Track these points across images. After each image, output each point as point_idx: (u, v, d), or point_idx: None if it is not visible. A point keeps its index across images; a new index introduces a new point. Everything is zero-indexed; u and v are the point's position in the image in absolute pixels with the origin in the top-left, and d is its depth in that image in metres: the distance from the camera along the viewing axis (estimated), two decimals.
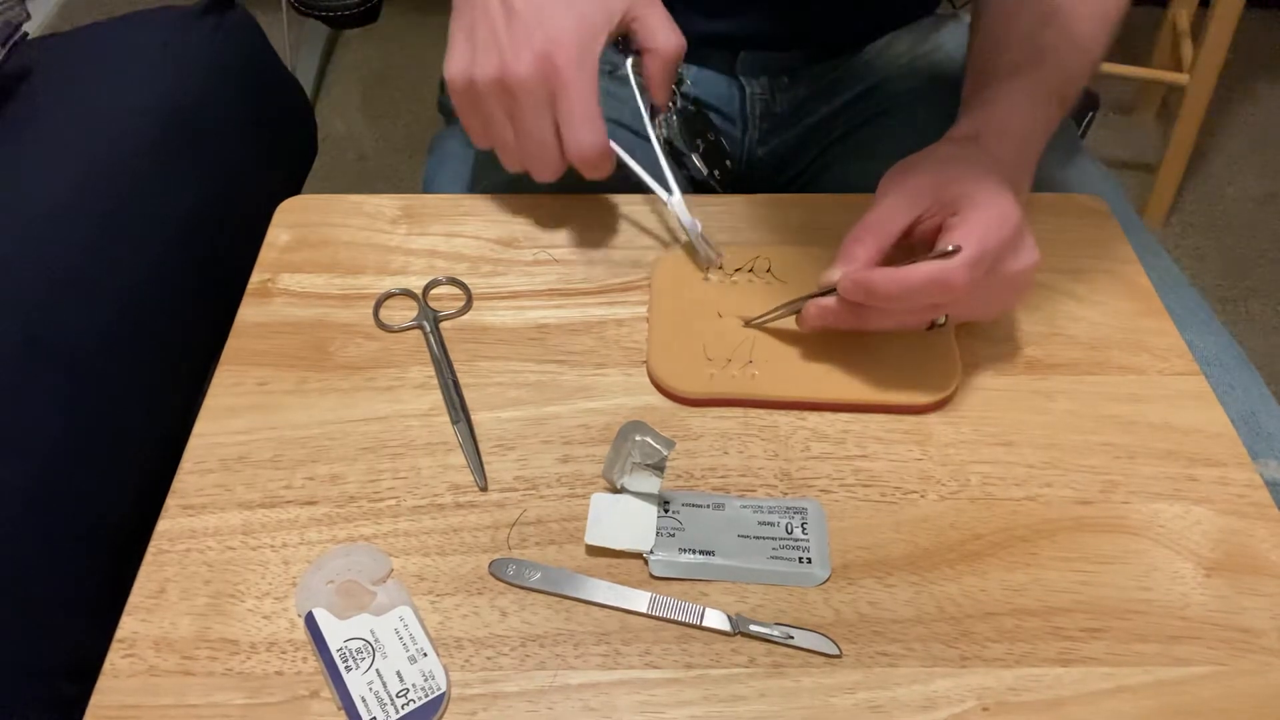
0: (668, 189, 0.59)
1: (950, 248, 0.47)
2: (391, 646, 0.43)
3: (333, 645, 0.43)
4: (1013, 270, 0.50)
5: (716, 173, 0.73)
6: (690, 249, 0.60)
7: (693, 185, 0.75)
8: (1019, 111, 0.58)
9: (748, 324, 0.56)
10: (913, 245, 0.52)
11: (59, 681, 0.55)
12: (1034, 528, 0.48)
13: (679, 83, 0.76)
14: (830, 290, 0.51)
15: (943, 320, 0.52)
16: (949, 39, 0.81)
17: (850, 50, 0.80)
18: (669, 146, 0.75)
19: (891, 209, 0.51)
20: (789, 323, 0.56)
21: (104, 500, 0.62)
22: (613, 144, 0.55)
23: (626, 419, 0.48)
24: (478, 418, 0.53)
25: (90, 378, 0.63)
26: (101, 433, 0.63)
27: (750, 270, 0.59)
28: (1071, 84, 0.61)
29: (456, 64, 0.54)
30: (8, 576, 0.55)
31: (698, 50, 0.77)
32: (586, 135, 0.53)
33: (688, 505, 0.49)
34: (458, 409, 0.53)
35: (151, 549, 0.47)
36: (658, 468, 0.47)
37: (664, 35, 0.56)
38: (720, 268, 0.59)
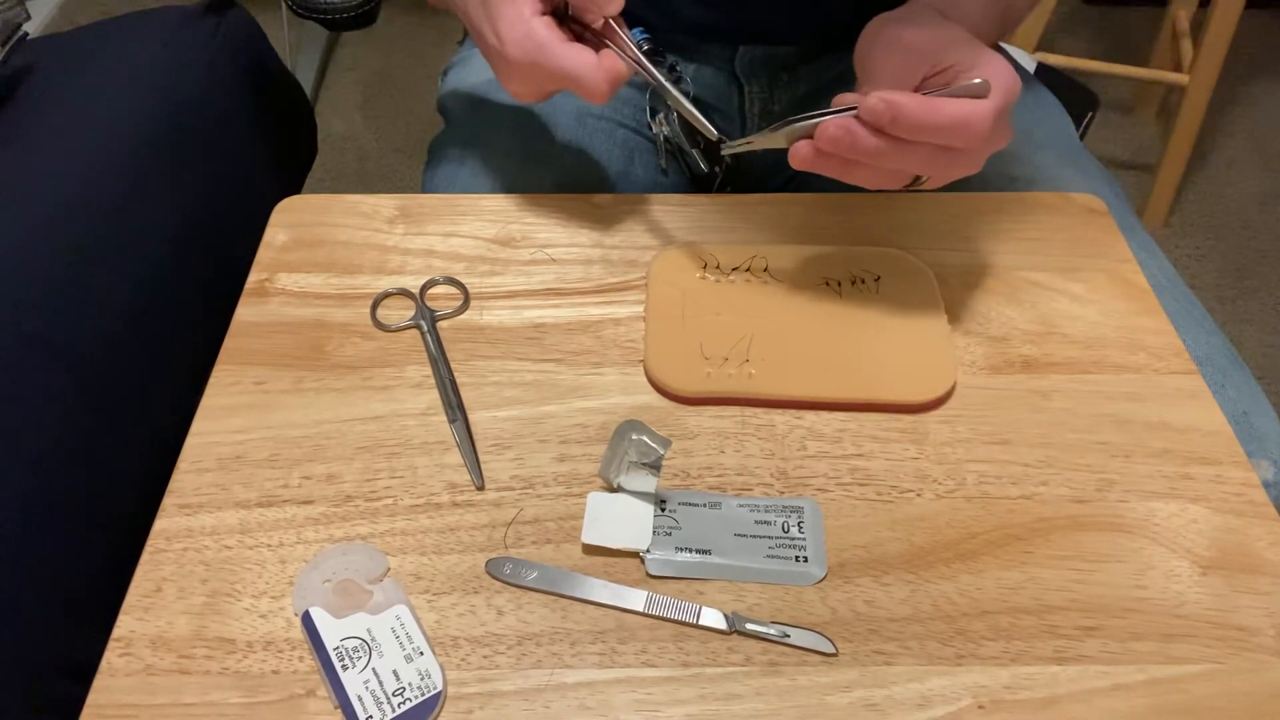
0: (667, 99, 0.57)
1: (978, 80, 0.46)
2: (388, 645, 0.43)
3: (329, 644, 0.43)
4: (999, 139, 0.49)
5: (717, 169, 0.73)
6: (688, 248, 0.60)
7: (693, 182, 0.75)
8: (975, 6, 0.58)
9: (726, 148, 0.55)
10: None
11: (59, 681, 0.55)
12: (1030, 526, 0.48)
13: (678, 80, 0.76)
14: (841, 111, 0.48)
15: (925, 179, 0.50)
16: None
17: (847, 46, 0.80)
18: (669, 145, 0.75)
19: (894, 70, 0.50)
20: (786, 322, 0.56)
21: (104, 500, 0.62)
22: (616, 51, 0.54)
23: (623, 418, 0.48)
24: (474, 417, 0.53)
25: (90, 378, 0.63)
26: (101, 433, 0.63)
27: (747, 270, 0.59)
28: (1013, 12, 0.62)
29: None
30: (8, 576, 0.55)
31: (696, 46, 0.77)
32: (587, 85, 0.53)
33: (684, 504, 0.49)
34: (454, 408, 0.53)
35: (148, 548, 0.48)
36: (654, 467, 0.47)
37: None
38: (718, 268, 0.58)
